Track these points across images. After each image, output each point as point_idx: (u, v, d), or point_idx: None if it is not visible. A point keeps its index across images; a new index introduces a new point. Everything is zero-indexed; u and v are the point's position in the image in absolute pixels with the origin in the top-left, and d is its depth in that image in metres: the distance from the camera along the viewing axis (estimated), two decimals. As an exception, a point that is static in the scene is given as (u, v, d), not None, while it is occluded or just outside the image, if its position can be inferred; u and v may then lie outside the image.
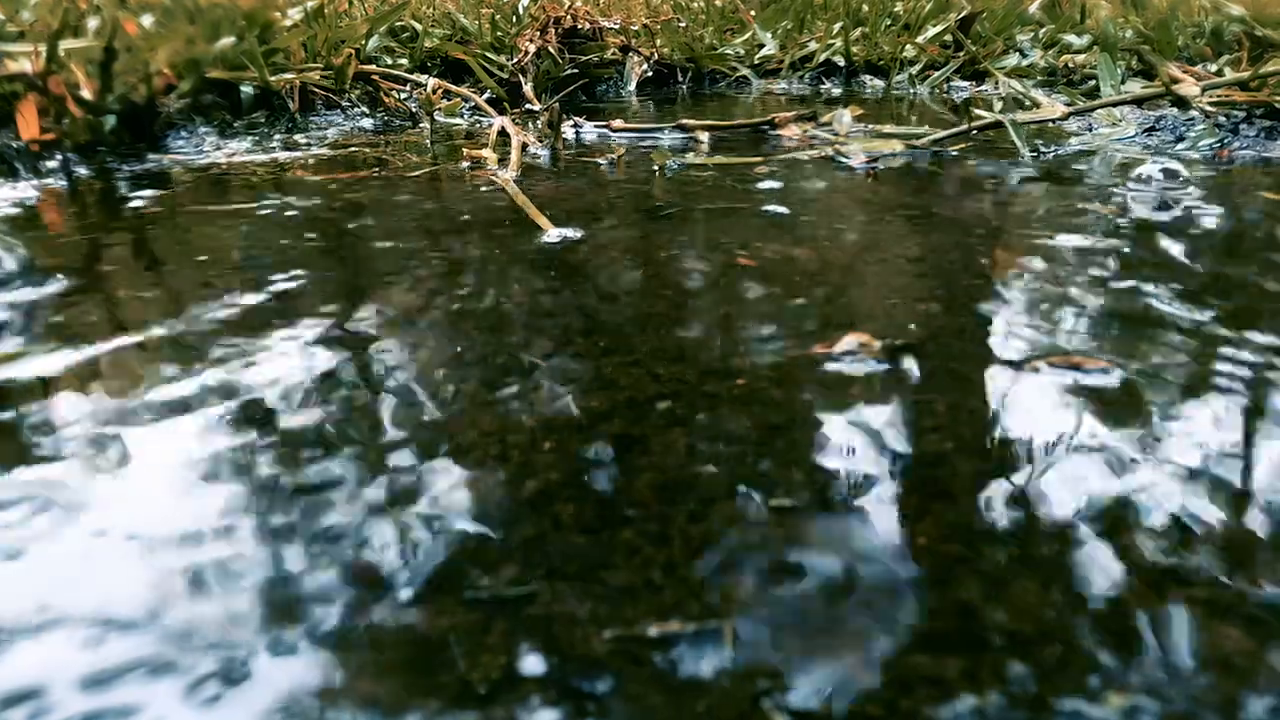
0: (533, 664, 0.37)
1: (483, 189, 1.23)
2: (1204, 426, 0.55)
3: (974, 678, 0.36)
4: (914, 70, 2.50)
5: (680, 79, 2.51)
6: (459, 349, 0.69)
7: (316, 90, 1.84)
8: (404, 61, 2.08)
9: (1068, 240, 0.94)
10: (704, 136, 1.59)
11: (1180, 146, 1.47)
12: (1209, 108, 1.52)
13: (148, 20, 1.68)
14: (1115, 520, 0.46)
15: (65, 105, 1.40)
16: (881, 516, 0.47)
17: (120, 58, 1.48)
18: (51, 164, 1.35)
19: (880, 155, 1.42)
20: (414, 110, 1.88)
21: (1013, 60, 2.44)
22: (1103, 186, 1.20)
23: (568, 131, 1.68)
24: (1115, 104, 1.61)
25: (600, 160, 1.44)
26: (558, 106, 1.69)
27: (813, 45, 2.66)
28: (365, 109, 1.87)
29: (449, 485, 0.50)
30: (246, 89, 1.69)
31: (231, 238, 1.00)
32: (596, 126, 1.71)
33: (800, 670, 0.37)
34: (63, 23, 1.42)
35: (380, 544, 0.45)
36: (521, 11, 2.37)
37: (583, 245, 0.95)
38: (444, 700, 0.36)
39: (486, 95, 1.97)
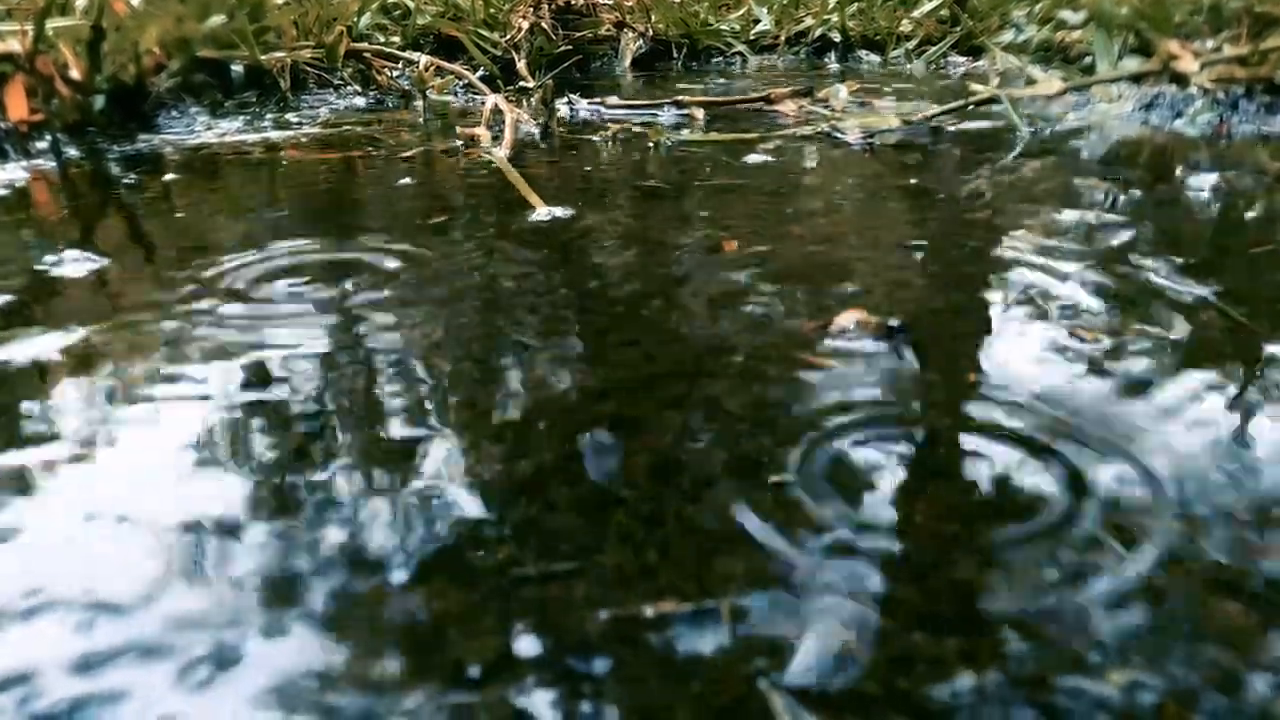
0: (527, 645, 0.37)
1: (476, 167, 1.22)
2: (1203, 399, 0.55)
3: (972, 657, 0.36)
4: (910, 45, 2.48)
5: (675, 55, 2.49)
6: (450, 329, 0.68)
7: (308, 69, 1.82)
8: (396, 39, 2.06)
9: (1064, 214, 0.94)
10: (699, 113, 1.58)
11: (1179, 122, 1.46)
12: (1207, 84, 1.51)
13: (136, -1, 1.66)
14: (1115, 499, 0.46)
15: (53, 85, 1.38)
16: (880, 495, 0.47)
17: (109, 37, 1.46)
18: (41, 145, 1.34)
19: (877, 131, 1.41)
20: (407, 88, 1.87)
21: (1009, 36, 2.43)
22: (1098, 161, 1.20)
23: (562, 109, 1.67)
24: (1112, 80, 1.60)
25: (595, 137, 1.43)
26: (552, 84, 1.68)
27: (809, 21, 2.64)
28: (357, 88, 1.86)
29: (443, 467, 0.50)
30: (237, 68, 1.68)
31: (221, 219, 0.99)
32: (591, 104, 1.69)
33: (797, 649, 0.36)
34: (50, 2, 1.41)
35: (374, 525, 0.45)
36: (515, -12, 2.34)
37: (576, 223, 0.94)
38: (439, 682, 0.35)
39: (480, 73, 1.96)
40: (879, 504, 0.46)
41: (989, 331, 0.66)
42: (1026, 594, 0.39)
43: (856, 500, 0.46)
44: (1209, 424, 0.53)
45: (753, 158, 1.25)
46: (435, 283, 0.78)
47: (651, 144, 1.36)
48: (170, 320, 0.70)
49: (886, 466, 0.49)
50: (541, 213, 0.97)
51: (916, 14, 2.58)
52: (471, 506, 0.46)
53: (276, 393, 0.58)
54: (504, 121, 1.40)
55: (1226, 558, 0.41)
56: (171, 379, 0.60)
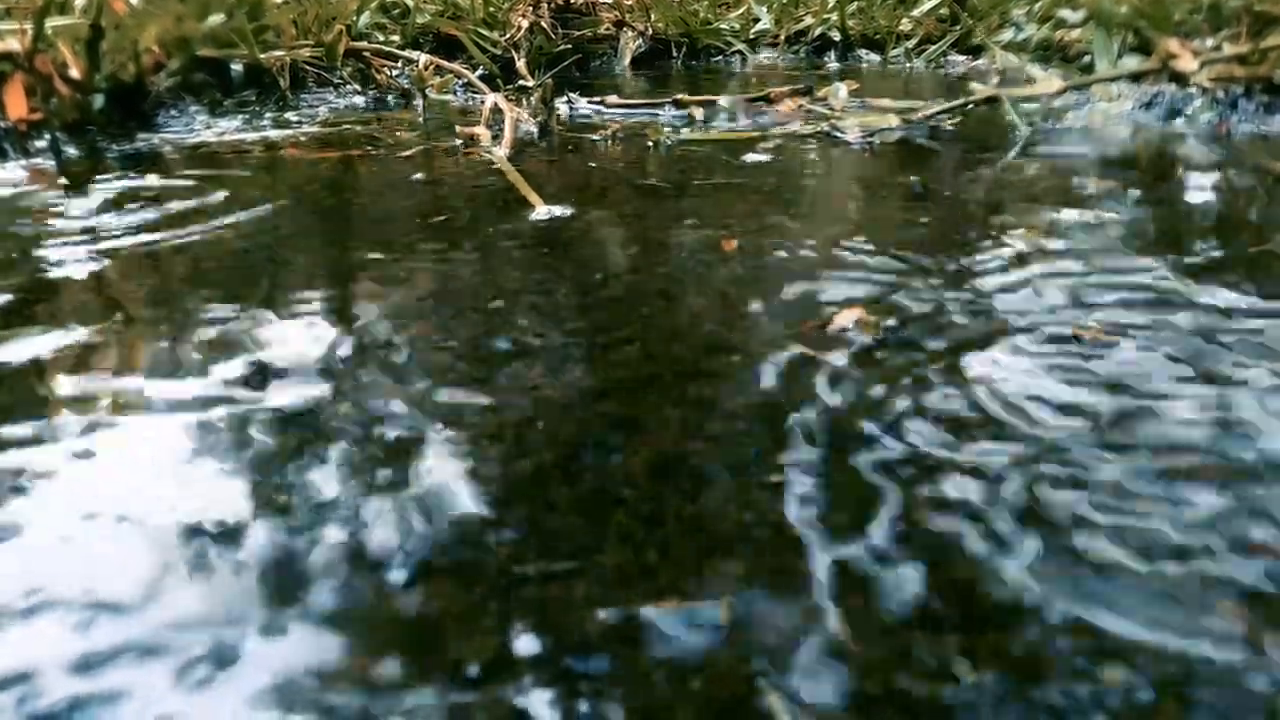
0: (527, 645, 0.37)
1: (475, 166, 1.22)
2: (1203, 398, 0.55)
3: (971, 655, 0.36)
4: (910, 44, 2.48)
5: (675, 54, 2.49)
6: (449, 328, 0.68)
7: (307, 67, 1.82)
8: (396, 38, 2.06)
9: (1064, 214, 0.94)
10: (699, 112, 1.58)
11: (1178, 122, 1.46)
12: (1207, 83, 1.51)
13: (136, -3, 1.66)
14: (1113, 492, 0.46)
15: (53, 84, 1.38)
16: (879, 493, 0.47)
17: (108, 36, 1.46)
18: (40, 144, 1.34)
19: (876, 130, 1.41)
20: (406, 88, 1.87)
21: (1009, 34, 2.43)
22: (1098, 161, 1.20)
23: (561, 108, 1.67)
24: (1111, 79, 1.60)
25: (594, 136, 1.43)
26: (551, 83, 1.68)
27: (809, 20, 2.64)
28: (357, 87, 1.86)
29: (441, 465, 0.50)
30: (236, 67, 1.68)
31: (219, 219, 0.99)
32: (590, 103, 1.69)
33: (798, 649, 0.36)
34: (49, 1, 1.41)
35: (373, 524, 0.45)
36: (514, -13, 2.34)
37: (576, 222, 0.94)
38: (438, 682, 0.35)
39: (479, 72, 1.95)
40: (878, 504, 0.46)
41: (988, 331, 0.66)
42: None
43: (856, 499, 0.46)
44: (1206, 422, 0.53)
45: (752, 157, 1.25)
46: (434, 281, 0.78)
47: (651, 143, 1.36)
48: (170, 319, 0.70)
49: (887, 465, 0.49)
50: (541, 212, 0.97)
51: (916, 13, 2.58)
52: (471, 506, 0.46)
53: (275, 392, 0.58)
54: (503, 120, 1.40)
55: (1226, 555, 0.41)
56: (172, 378, 0.60)
